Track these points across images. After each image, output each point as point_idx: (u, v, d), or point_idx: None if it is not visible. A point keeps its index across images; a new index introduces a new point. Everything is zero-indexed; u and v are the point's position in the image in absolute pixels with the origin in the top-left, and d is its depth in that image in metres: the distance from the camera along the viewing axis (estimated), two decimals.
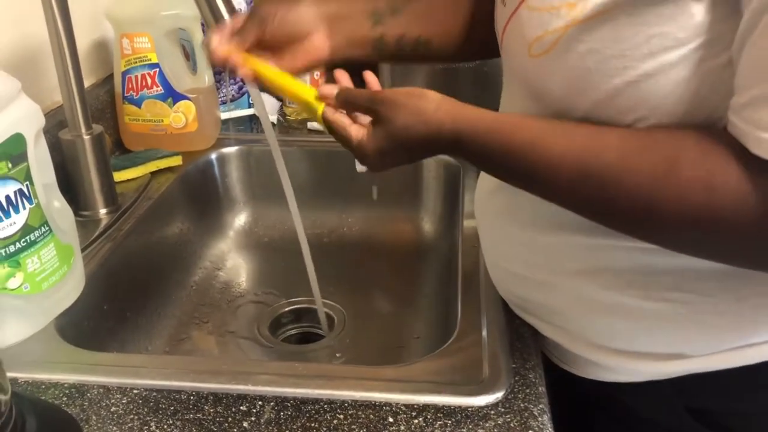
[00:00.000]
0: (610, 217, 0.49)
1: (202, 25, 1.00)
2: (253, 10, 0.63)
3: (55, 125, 0.87)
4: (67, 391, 0.59)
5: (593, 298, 0.58)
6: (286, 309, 0.94)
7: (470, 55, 0.60)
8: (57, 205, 0.70)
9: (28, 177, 0.63)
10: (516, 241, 0.63)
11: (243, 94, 1.19)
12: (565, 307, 0.61)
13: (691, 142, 0.44)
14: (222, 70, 1.12)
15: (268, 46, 0.63)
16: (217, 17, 0.69)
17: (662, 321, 0.56)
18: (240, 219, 1.10)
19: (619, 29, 0.46)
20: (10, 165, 0.61)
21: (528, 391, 0.58)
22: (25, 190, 0.62)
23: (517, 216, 0.61)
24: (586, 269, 0.57)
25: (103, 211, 0.87)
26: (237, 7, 1.11)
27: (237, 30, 0.62)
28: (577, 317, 0.61)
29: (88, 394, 0.58)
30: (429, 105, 0.53)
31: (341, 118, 0.57)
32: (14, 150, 0.61)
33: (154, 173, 0.98)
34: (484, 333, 0.65)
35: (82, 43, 1.01)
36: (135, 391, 0.59)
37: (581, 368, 0.65)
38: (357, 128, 0.56)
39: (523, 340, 0.65)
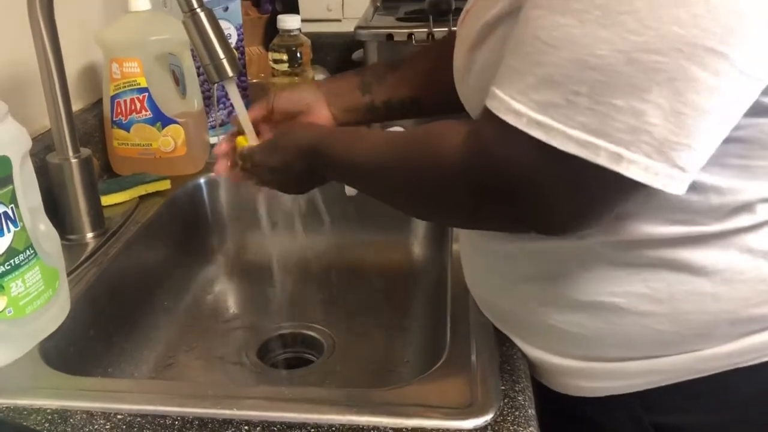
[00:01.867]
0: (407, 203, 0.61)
1: (192, 50, 1.01)
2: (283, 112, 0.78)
3: (43, 149, 0.86)
4: (49, 417, 0.58)
5: (547, 303, 0.61)
6: (274, 334, 0.93)
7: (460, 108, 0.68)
8: (43, 229, 0.69)
9: (13, 200, 0.62)
10: (481, 250, 0.66)
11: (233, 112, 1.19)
12: (524, 313, 0.63)
13: (445, 120, 0.55)
14: (211, 95, 1.13)
15: (277, 120, 0.78)
16: (211, 53, 0.72)
17: (608, 324, 0.58)
18: (228, 243, 1.10)
19: (498, 44, 0.52)
20: None
21: (517, 413, 0.57)
22: (10, 212, 0.62)
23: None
24: (538, 274, 0.60)
25: (90, 235, 0.86)
26: (228, 39, 1.13)
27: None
28: (536, 323, 0.63)
29: (71, 420, 0.57)
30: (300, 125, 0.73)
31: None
32: (0, 173, 0.61)
33: (142, 197, 0.98)
34: (473, 356, 0.65)
35: (72, 67, 1.02)
36: (119, 417, 0.58)
37: (550, 380, 0.66)
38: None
39: (513, 362, 0.64)
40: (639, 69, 0.42)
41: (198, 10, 0.72)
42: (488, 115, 0.48)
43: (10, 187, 0.62)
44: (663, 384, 0.59)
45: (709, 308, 0.56)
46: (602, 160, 0.44)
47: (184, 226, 1.02)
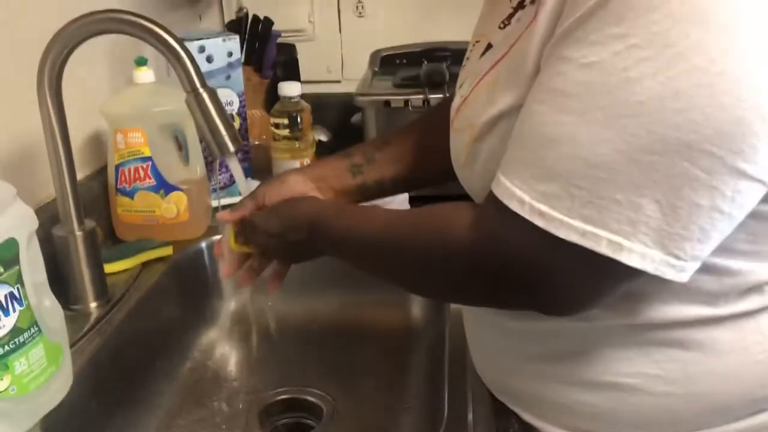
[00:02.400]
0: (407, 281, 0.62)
1: None
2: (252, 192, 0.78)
3: (48, 218, 0.88)
4: None
5: (557, 381, 0.61)
6: (274, 399, 0.94)
7: (448, 179, 0.71)
8: (47, 304, 0.71)
9: (19, 280, 0.64)
10: (489, 326, 0.67)
11: (234, 182, 1.21)
12: (533, 389, 0.64)
13: (451, 203, 0.57)
14: (213, 161, 1.15)
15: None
16: (213, 130, 0.75)
17: (621, 403, 0.58)
18: (229, 307, 1.11)
19: (502, 137, 0.54)
20: (2, 269, 0.62)
21: None
22: (15, 292, 0.64)
23: None
24: (548, 354, 0.61)
25: (93, 304, 0.88)
26: (230, 105, 1.16)
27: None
28: (545, 399, 0.63)
29: None
30: (301, 199, 0.74)
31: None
32: (7, 254, 0.63)
33: (144, 263, 0.99)
34: (471, 428, 0.65)
35: (77, 137, 1.04)
36: None
37: None
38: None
39: None
40: (638, 168, 0.45)
41: (200, 90, 0.75)
42: (494, 200, 0.51)
43: (17, 267, 0.64)
44: None
45: (723, 389, 0.57)
46: (604, 249, 0.47)
47: (186, 291, 1.04)
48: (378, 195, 0.81)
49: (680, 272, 0.48)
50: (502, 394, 0.69)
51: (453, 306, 0.89)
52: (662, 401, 0.58)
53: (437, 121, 0.76)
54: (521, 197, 0.49)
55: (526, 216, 0.48)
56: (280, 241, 0.73)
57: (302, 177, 0.79)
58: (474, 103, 0.60)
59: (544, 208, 0.48)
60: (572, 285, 0.50)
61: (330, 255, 0.69)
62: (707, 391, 0.57)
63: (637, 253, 0.46)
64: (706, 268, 0.52)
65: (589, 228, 0.47)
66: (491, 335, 0.68)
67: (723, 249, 0.51)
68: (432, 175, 0.79)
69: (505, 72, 0.56)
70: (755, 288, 0.56)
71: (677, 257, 0.47)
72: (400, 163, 0.79)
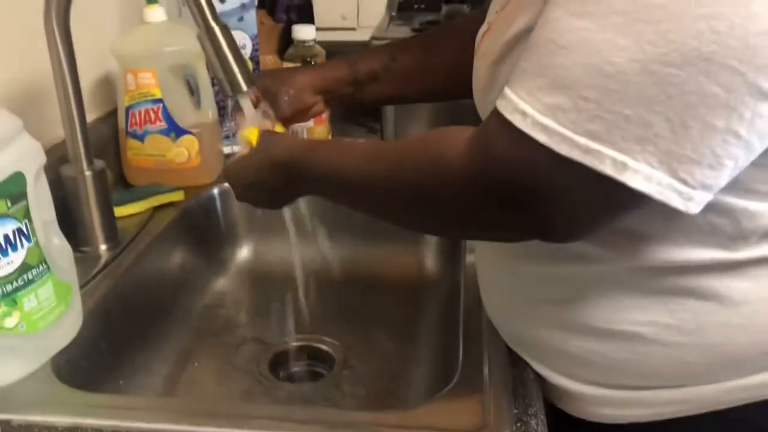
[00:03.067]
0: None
1: None
2: (267, 94, 0.79)
3: (56, 160, 0.86)
4: None
5: (567, 329, 0.59)
6: (286, 347, 0.93)
7: (450, 98, 0.74)
8: (56, 243, 0.69)
9: (27, 215, 0.63)
10: (501, 272, 0.65)
11: None
12: (543, 337, 0.62)
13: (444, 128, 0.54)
14: (225, 105, 1.13)
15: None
16: (226, 68, 0.72)
17: (632, 353, 0.57)
18: (242, 254, 1.10)
19: (519, 58, 0.49)
20: (9, 204, 0.60)
21: None
22: (23, 228, 0.62)
23: (502, 247, 0.63)
24: (559, 299, 0.59)
25: (103, 247, 0.86)
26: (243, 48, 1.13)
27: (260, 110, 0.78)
28: (555, 348, 0.62)
29: None
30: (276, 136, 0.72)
31: None
32: (14, 189, 0.61)
33: (155, 208, 0.98)
34: (486, 377, 0.64)
35: (87, 77, 1.02)
36: None
37: (569, 405, 0.65)
38: None
39: (526, 384, 0.64)
40: (653, 80, 0.42)
41: (213, 25, 0.72)
42: (495, 114, 0.48)
43: (24, 202, 0.62)
44: (689, 414, 0.58)
45: (738, 340, 0.55)
46: (607, 169, 0.44)
47: (197, 237, 1.02)
48: (373, 106, 0.88)
49: (687, 201, 0.44)
50: (515, 343, 0.67)
51: (468, 256, 0.87)
52: (675, 352, 0.56)
53: (451, 37, 0.76)
54: (524, 109, 0.45)
55: (528, 130, 0.45)
56: (259, 191, 0.70)
57: (310, 86, 0.80)
58: (498, 28, 0.57)
59: (547, 121, 0.44)
60: (571, 207, 0.47)
61: (313, 195, 0.67)
62: (722, 342, 0.55)
63: (641, 174, 0.43)
64: (722, 209, 0.49)
65: (593, 145, 0.43)
66: (502, 280, 0.66)
67: (740, 188, 0.48)
68: (430, 95, 0.82)
69: None
70: None
71: (684, 182, 0.44)
72: (402, 84, 0.80)
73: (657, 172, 0.43)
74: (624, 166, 0.43)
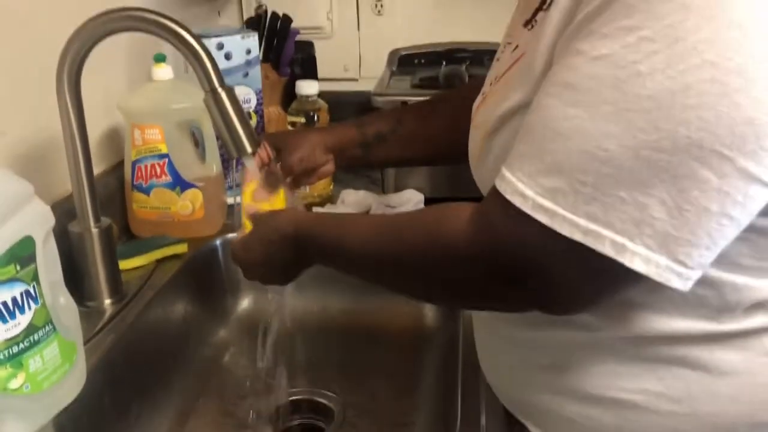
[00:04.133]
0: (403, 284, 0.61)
1: None
2: (276, 153, 0.82)
3: (64, 214, 0.88)
4: None
5: (561, 393, 0.60)
6: (286, 400, 0.94)
7: (451, 162, 0.76)
8: (62, 302, 0.71)
9: (35, 278, 0.64)
10: (498, 336, 0.67)
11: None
12: (538, 401, 0.63)
13: (445, 204, 0.56)
14: (229, 158, 1.15)
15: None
16: (231, 130, 0.75)
17: (625, 420, 0.58)
18: (242, 306, 1.11)
19: (512, 134, 0.52)
20: (18, 267, 0.62)
21: None
22: (31, 291, 0.64)
23: (500, 312, 0.64)
24: (552, 364, 0.60)
25: (107, 301, 0.88)
26: (248, 103, 1.16)
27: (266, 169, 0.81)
28: (550, 411, 0.62)
29: None
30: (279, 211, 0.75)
31: None
32: (23, 252, 0.63)
33: (159, 260, 0.99)
34: None
35: (95, 131, 1.04)
36: None
37: None
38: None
39: None
40: (645, 165, 0.44)
41: (219, 89, 0.74)
42: (496, 194, 0.50)
43: (33, 265, 0.64)
44: None
45: (727, 410, 0.56)
46: (606, 250, 0.45)
47: (200, 289, 1.04)
48: (378, 168, 0.90)
49: (686, 280, 0.46)
50: (510, 404, 0.68)
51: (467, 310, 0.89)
52: (666, 420, 0.57)
53: (459, 104, 0.77)
54: (524, 192, 0.47)
55: (528, 211, 0.47)
56: (269, 267, 0.72)
57: (322, 145, 0.84)
58: (492, 100, 0.59)
59: (547, 203, 0.46)
60: (573, 284, 0.49)
61: (321, 264, 0.68)
62: (712, 412, 0.56)
63: (640, 257, 0.45)
64: (709, 282, 0.51)
65: (592, 226, 0.45)
66: (499, 345, 0.67)
67: (726, 263, 0.50)
68: (438, 160, 0.85)
69: (519, 69, 0.55)
70: (760, 305, 0.54)
71: (683, 264, 0.45)
72: (409, 146, 0.83)
73: (655, 255, 0.45)
74: (623, 248, 0.45)
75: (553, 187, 0.46)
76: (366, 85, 1.39)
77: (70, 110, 0.80)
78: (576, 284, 0.49)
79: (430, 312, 1.08)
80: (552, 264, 0.48)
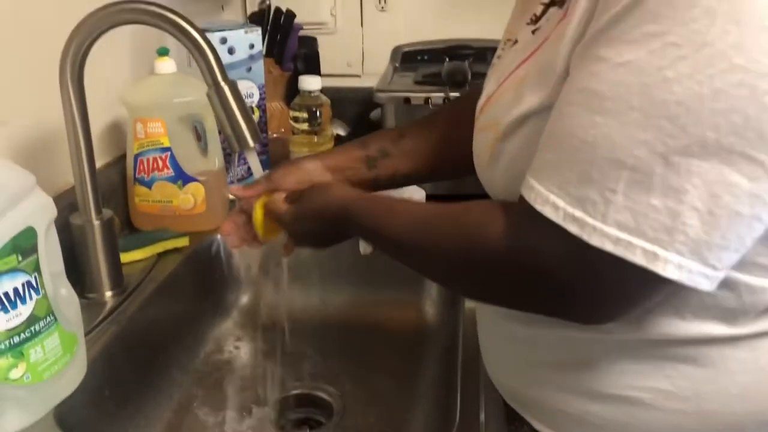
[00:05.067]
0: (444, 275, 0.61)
1: None
2: (277, 182, 0.78)
3: (66, 206, 0.88)
4: None
5: (566, 390, 0.60)
6: (286, 394, 0.94)
7: (464, 173, 0.71)
8: (64, 293, 0.71)
9: (36, 268, 0.64)
10: (503, 333, 0.66)
11: (251, 175, 1.21)
12: (542, 397, 0.63)
13: (481, 205, 0.56)
14: (231, 153, 1.15)
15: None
16: (233, 124, 0.75)
17: (631, 418, 0.57)
18: (244, 300, 1.11)
19: (528, 138, 0.53)
20: (20, 258, 0.62)
21: None
22: (33, 281, 0.64)
23: (505, 308, 0.64)
24: (558, 362, 0.60)
25: (108, 293, 0.88)
26: (251, 98, 1.16)
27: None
28: (554, 408, 0.62)
29: None
30: (330, 186, 0.73)
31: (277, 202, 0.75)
32: (25, 243, 0.63)
33: (160, 254, 1.00)
34: (482, 429, 0.65)
35: (97, 124, 1.04)
36: None
37: None
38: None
39: None
40: (676, 171, 0.43)
41: (222, 83, 0.74)
42: (526, 206, 0.49)
43: (35, 256, 0.64)
44: None
45: (735, 409, 0.55)
46: (638, 259, 0.45)
47: (201, 283, 1.04)
48: (389, 187, 0.82)
49: (713, 281, 0.46)
50: (513, 400, 0.68)
51: (467, 305, 0.89)
52: (673, 418, 0.57)
53: (455, 115, 0.76)
54: (555, 202, 0.47)
55: (560, 222, 0.47)
56: (311, 229, 0.72)
57: (320, 166, 0.79)
58: (499, 101, 0.59)
59: (578, 213, 0.46)
60: (603, 294, 0.49)
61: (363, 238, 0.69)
62: (719, 410, 0.56)
63: (673, 264, 0.45)
64: (726, 284, 0.50)
65: (623, 236, 0.45)
66: (503, 341, 0.67)
67: (744, 263, 0.49)
68: (444, 172, 0.81)
69: (533, 71, 0.55)
70: None
71: (714, 267, 0.45)
72: (414, 159, 0.79)
73: (688, 261, 0.45)
74: (655, 256, 0.45)
75: (583, 196, 0.46)
76: (369, 81, 1.39)
77: (73, 102, 0.80)
78: (606, 294, 0.49)
79: (431, 308, 1.08)
80: (583, 276, 0.48)
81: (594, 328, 0.56)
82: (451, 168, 0.79)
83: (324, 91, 1.21)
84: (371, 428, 0.88)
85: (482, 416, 0.68)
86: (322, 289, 1.09)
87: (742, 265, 0.49)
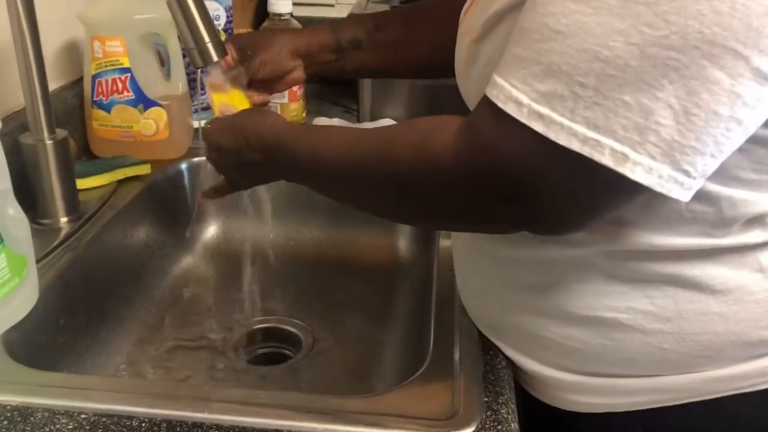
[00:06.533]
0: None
1: None
2: (242, 55, 0.76)
3: (16, 128, 0.83)
4: (9, 414, 0.55)
5: (543, 314, 0.58)
6: (252, 328, 0.91)
7: (435, 76, 0.71)
8: (11, 213, 0.66)
9: None
10: (479, 256, 0.64)
11: None
12: (518, 323, 0.61)
13: (429, 118, 0.52)
14: (196, 78, 1.09)
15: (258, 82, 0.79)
16: (196, 37, 0.70)
17: (609, 340, 0.56)
18: (209, 231, 1.07)
19: (503, 38, 0.48)
20: None
21: (499, 427, 0.55)
22: None
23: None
24: (535, 284, 0.58)
25: (63, 219, 0.83)
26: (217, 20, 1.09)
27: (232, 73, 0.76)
28: (530, 333, 0.60)
29: (32, 418, 0.55)
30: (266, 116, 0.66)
31: None
32: None
33: (120, 181, 0.94)
34: (457, 363, 0.63)
35: (53, 44, 0.98)
36: (83, 416, 0.55)
37: (544, 393, 0.64)
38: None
39: (497, 372, 0.62)
40: (652, 64, 0.40)
41: None
42: (487, 103, 0.46)
43: None
44: (665, 404, 0.57)
45: (716, 329, 0.54)
46: (606, 160, 0.42)
47: (163, 213, 0.99)
48: (355, 77, 0.86)
49: (687, 190, 0.43)
50: (488, 329, 0.66)
51: (442, 241, 0.86)
52: (652, 339, 0.55)
53: (441, 9, 0.73)
54: (519, 98, 0.43)
55: (524, 120, 0.43)
56: (233, 159, 0.66)
57: (290, 48, 0.77)
58: (479, 4, 0.55)
59: (544, 109, 0.42)
60: (567, 199, 0.45)
61: (289, 180, 0.64)
62: (700, 330, 0.54)
63: (642, 167, 0.41)
64: (706, 197, 0.48)
65: (591, 134, 0.42)
66: (479, 265, 0.64)
67: (725, 176, 0.47)
68: (417, 72, 0.81)
69: None
70: (757, 220, 0.52)
71: (686, 173, 0.42)
72: (386, 54, 0.77)
73: (659, 164, 0.42)
74: (624, 158, 0.42)
75: (550, 91, 0.42)
76: (342, 11, 1.33)
77: (21, 13, 0.74)
78: (570, 200, 0.46)
79: (404, 243, 1.05)
80: (545, 177, 0.44)
81: (569, 243, 0.53)
82: (425, 70, 0.77)
83: (295, 19, 1.15)
84: (342, 362, 0.85)
85: (457, 350, 0.65)
86: (291, 222, 1.05)
87: (722, 178, 0.47)
